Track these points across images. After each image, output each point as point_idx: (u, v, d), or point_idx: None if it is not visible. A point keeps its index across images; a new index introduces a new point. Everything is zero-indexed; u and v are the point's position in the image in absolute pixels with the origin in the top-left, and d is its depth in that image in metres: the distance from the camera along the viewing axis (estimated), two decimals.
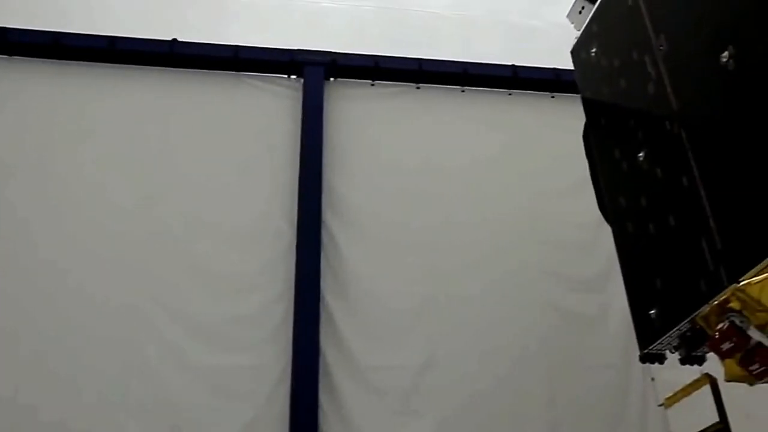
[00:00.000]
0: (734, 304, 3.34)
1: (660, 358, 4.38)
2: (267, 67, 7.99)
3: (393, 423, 6.46)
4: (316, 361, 6.52)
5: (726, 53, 3.72)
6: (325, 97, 7.89)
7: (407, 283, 7.09)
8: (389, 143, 7.89)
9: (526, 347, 6.92)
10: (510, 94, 8.47)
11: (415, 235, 7.35)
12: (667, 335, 4.16)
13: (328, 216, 7.28)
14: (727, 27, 3.78)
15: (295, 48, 8.02)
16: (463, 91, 8.35)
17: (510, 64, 8.45)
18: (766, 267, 3.34)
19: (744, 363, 3.36)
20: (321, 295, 6.84)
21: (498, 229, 7.50)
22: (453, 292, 7.10)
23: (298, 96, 7.89)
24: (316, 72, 7.98)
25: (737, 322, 3.34)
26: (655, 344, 4.28)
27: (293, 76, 8.00)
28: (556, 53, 6.93)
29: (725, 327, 3.39)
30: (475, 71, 8.40)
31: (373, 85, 8.19)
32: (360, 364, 6.66)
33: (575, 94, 5.75)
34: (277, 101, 7.87)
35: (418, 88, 8.24)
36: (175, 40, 7.76)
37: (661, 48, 4.36)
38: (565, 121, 7.41)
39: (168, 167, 7.25)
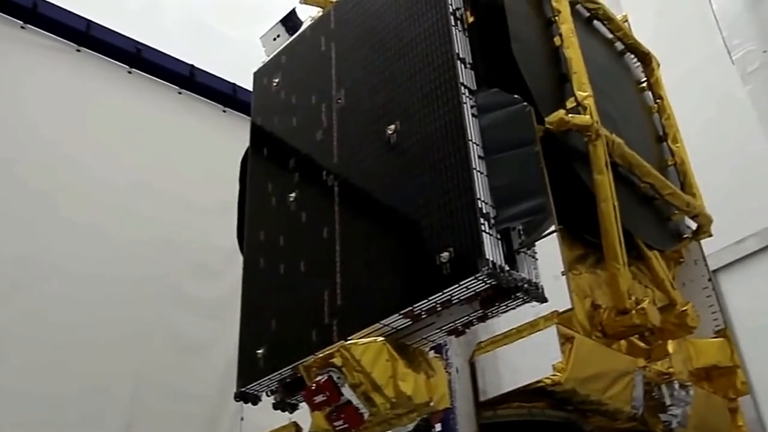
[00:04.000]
0: (337, 360, 3.58)
1: (255, 399, 4.49)
2: None
3: None
4: None
5: (393, 127, 4.11)
6: None
7: None
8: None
9: (116, 364, 6.61)
10: (180, 93, 8.27)
11: None
12: (268, 377, 4.30)
13: None
14: (399, 104, 4.17)
15: None
16: (130, 72, 7.92)
17: (190, 62, 8.28)
18: (373, 332, 3.69)
19: (330, 418, 3.61)
20: None
21: (132, 236, 7.16)
22: None
23: None
24: None
25: (335, 377, 3.58)
26: (254, 384, 4.39)
27: None
28: (243, 69, 6.98)
29: (323, 380, 3.61)
30: (150, 56, 8.04)
31: None
32: None
33: (247, 116, 5.81)
34: None
35: (78, 51, 7.59)
36: None
37: (339, 102, 4.64)
38: (229, 138, 7.45)
39: None
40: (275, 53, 5.62)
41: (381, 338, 3.66)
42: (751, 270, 9.56)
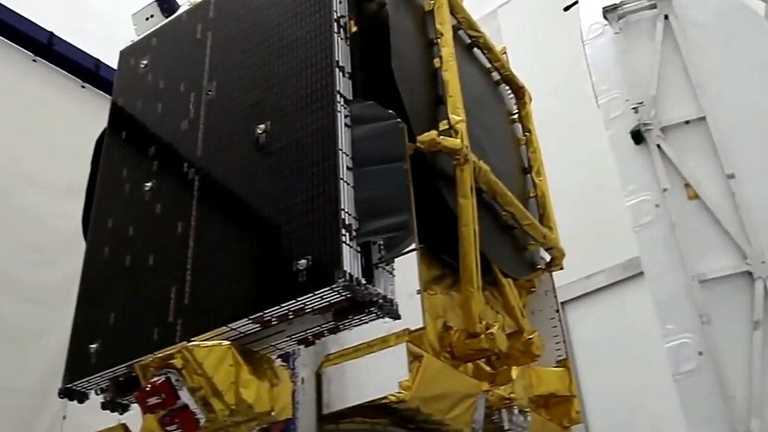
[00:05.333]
0: (177, 362, 3.50)
1: (82, 397, 4.28)
2: None
3: None
4: None
5: (263, 126, 4.08)
6: None
7: None
8: None
9: None
10: (34, 60, 7.83)
11: None
12: (99, 374, 4.12)
13: None
14: (272, 104, 4.16)
15: None
16: None
17: (49, 29, 7.86)
18: (219, 335, 3.64)
19: (163, 422, 3.51)
20: None
21: None
22: None
23: None
24: None
25: (173, 379, 3.49)
26: (83, 380, 4.19)
27: None
28: (109, 45, 6.68)
29: (159, 381, 3.50)
30: (4, 17, 7.58)
31: None
32: None
33: (108, 95, 5.59)
34: None
35: None
36: None
37: (209, 93, 4.56)
38: (85, 116, 7.14)
39: None
40: (146, 33, 5.44)
41: (227, 342, 3.61)
42: (597, 305, 10.25)
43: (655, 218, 4.97)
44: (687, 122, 5.16)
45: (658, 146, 5.08)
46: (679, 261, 4.78)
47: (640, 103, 5.24)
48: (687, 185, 4.96)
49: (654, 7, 5.56)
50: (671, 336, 4.66)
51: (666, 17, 5.47)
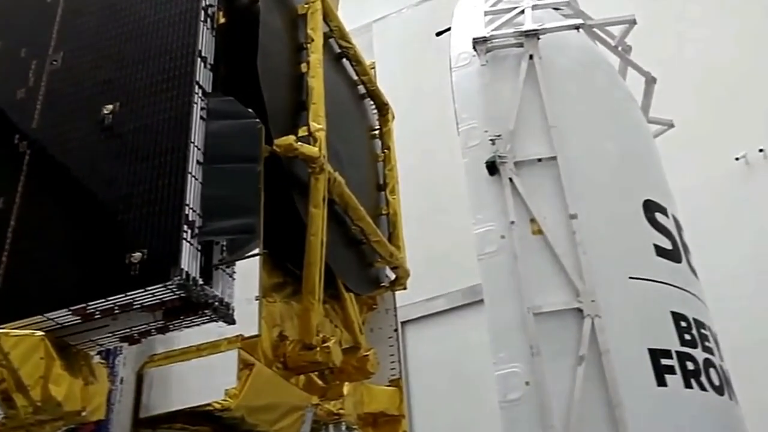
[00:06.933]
0: None
1: None
2: None
3: None
4: None
5: (111, 107, 3.89)
6: None
7: None
8: None
9: None
10: None
11: None
12: None
13: None
14: (123, 85, 3.97)
15: None
16: None
17: None
18: (33, 324, 3.39)
19: None
20: None
21: None
22: None
23: None
24: None
25: None
26: None
27: None
28: None
29: None
30: None
31: None
32: None
33: None
34: None
35: None
36: None
37: (54, 63, 4.28)
38: None
39: None
40: None
41: (40, 333, 3.37)
42: (437, 328, 10.57)
43: (499, 248, 5.16)
44: (539, 160, 5.40)
45: (510, 180, 5.29)
46: (517, 292, 4.98)
47: (498, 135, 5.44)
48: (533, 220, 5.18)
49: (521, 45, 5.82)
50: (502, 364, 4.83)
51: (531, 57, 5.73)
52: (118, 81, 4.02)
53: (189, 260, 3.40)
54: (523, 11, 6.00)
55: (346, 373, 5.33)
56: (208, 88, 3.98)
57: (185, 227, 3.43)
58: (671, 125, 7.07)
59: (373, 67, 7.33)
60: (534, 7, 6.06)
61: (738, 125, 9.76)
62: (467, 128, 5.72)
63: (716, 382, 4.90)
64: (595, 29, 6.62)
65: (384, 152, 7.03)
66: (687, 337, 4.94)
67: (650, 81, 6.81)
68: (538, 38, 5.79)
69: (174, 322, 3.57)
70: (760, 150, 9.64)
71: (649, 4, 9.85)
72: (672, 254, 5.30)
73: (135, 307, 3.41)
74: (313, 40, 5.50)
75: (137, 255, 3.38)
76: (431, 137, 10.64)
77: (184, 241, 3.39)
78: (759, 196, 9.39)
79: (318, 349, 4.75)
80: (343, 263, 5.73)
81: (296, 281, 5.08)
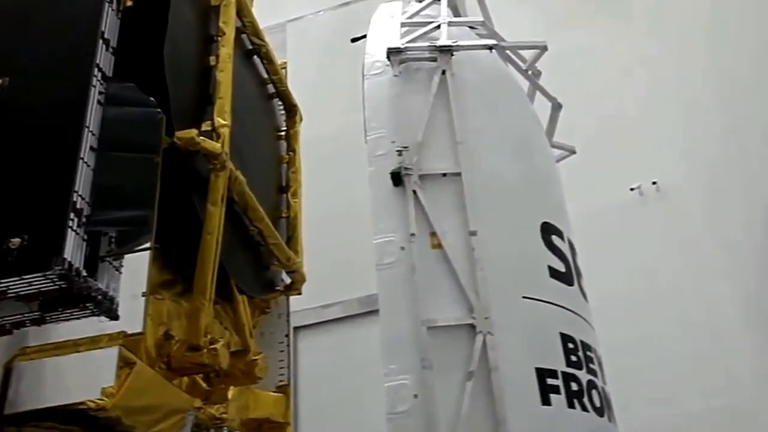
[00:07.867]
0: None
1: None
2: None
3: None
4: None
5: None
6: None
7: None
8: None
9: None
10: None
11: None
12: None
13: None
14: (15, 59, 3.79)
15: None
16: None
17: None
18: None
19: None
20: None
21: None
22: None
23: None
24: None
25: None
26: None
27: None
28: None
29: None
30: None
31: None
32: None
33: None
34: None
35: None
36: None
37: None
38: None
39: None
40: None
41: None
42: (330, 335, 10.54)
43: (397, 260, 5.20)
44: (444, 174, 5.48)
45: (414, 192, 5.34)
46: (412, 304, 5.03)
47: (405, 147, 5.49)
48: (433, 234, 5.24)
49: (435, 60, 5.90)
50: (392, 376, 4.86)
51: (443, 72, 5.82)
52: (10, 54, 3.83)
53: (73, 250, 3.28)
54: (439, 26, 6.10)
55: (232, 377, 5.22)
56: (109, 73, 3.86)
57: (72, 215, 3.31)
58: (573, 151, 7.33)
59: (285, 67, 7.26)
60: (450, 24, 6.16)
61: (635, 157, 10.21)
62: (375, 137, 5.75)
63: (597, 404, 5.09)
64: (507, 51, 6.80)
65: (289, 154, 6.96)
66: (573, 358, 5.11)
67: (556, 107, 7.05)
68: (452, 54, 5.89)
69: (52, 314, 3.44)
70: (654, 182, 10.10)
71: (562, 34, 10.21)
72: (565, 277, 5.48)
73: (9, 295, 3.26)
74: (224, 34, 5.40)
75: (16, 240, 3.23)
76: (339, 142, 10.63)
77: (69, 230, 3.27)
78: (650, 226, 9.84)
79: (205, 350, 4.63)
80: (238, 264, 5.62)
81: (187, 279, 4.95)
